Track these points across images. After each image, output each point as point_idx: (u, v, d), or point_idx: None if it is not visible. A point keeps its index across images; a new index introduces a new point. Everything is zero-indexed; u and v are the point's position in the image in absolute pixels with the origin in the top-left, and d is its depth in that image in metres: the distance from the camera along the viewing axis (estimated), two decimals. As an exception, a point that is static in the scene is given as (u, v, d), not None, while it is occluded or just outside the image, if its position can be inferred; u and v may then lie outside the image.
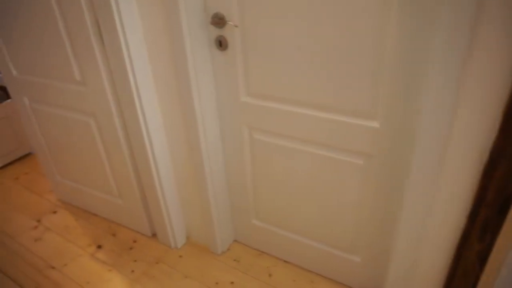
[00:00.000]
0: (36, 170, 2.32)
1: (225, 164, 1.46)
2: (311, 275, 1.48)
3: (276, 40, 1.06)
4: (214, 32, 1.16)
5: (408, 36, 0.88)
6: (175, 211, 1.59)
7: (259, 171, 1.38)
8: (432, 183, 0.95)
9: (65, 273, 1.57)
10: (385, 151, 1.06)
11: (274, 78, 1.13)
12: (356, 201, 1.21)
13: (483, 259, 0.93)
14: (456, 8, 0.74)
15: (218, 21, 1.12)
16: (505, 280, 0.83)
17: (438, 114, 0.86)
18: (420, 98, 0.93)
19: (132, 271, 1.56)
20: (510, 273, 0.82)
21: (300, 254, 1.49)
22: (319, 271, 1.48)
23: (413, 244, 1.07)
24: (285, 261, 1.55)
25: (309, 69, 1.05)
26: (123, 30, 1.16)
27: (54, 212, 1.94)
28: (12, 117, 2.33)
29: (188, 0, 1.08)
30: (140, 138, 1.38)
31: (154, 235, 1.74)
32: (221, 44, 1.16)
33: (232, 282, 1.48)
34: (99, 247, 1.70)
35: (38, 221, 1.88)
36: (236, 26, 1.10)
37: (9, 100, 2.30)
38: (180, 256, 1.62)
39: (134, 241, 1.72)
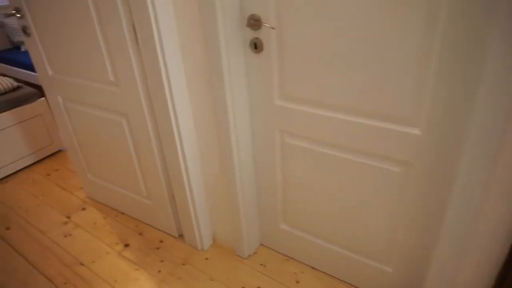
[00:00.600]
0: (66, 167, 2.37)
1: (255, 168, 1.44)
2: (339, 284, 1.45)
3: (312, 42, 1.03)
4: (249, 34, 1.15)
5: (459, 40, 0.84)
6: (202, 212, 1.59)
7: (289, 176, 1.35)
8: (478, 195, 0.90)
9: (93, 270, 1.60)
10: (426, 159, 1.02)
11: (309, 81, 1.11)
12: (391, 210, 1.17)
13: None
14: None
15: (254, 22, 1.10)
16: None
17: (489, 122, 0.81)
18: (468, 105, 0.89)
19: (159, 271, 1.57)
20: None
21: (328, 261, 1.45)
22: (348, 279, 1.44)
23: (455, 257, 1.02)
24: (313, 268, 1.52)
25: (346, 73, 1.02)
26: (158, 33, 1.16)
27: (83, 209, 1.97)
28: (45, 115, 2.40)
29: (225, 0, 1.07)
30: (171, 140, 1.38)
31: (180, 235, 1.75)
32: (256, 46, 1.14)
33: (258, 287, 1.46)
34: (127, 245, 1.72)
35: (68, 217, 1.92)
36: (273, 28, 1.08)
37: (42, 99, 2.37)
38: (206, 258, 1.62)
39: (161, 241, 1.73)
